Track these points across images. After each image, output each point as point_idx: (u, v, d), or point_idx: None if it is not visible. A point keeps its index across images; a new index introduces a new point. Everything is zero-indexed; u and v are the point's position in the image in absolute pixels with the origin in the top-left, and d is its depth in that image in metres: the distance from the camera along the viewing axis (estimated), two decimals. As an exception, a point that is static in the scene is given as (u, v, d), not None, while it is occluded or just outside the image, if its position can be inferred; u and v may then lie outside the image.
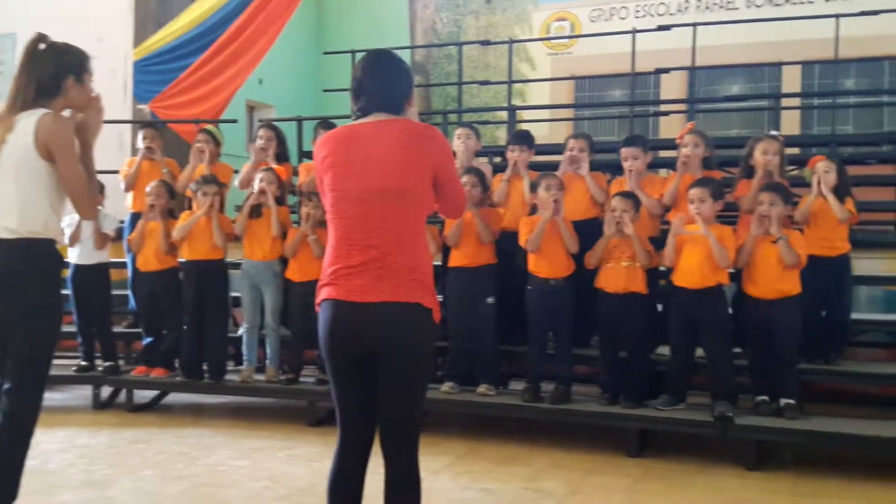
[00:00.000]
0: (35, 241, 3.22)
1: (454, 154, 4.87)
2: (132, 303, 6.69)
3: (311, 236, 5.74)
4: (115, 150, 8.39)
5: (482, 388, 5.46)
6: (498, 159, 7.81)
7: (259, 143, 6.29)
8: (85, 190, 3.27)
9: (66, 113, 3.30)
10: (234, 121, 8.52)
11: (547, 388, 5.37)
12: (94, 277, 6.32)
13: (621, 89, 11.37)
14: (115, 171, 6.70)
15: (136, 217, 6.43)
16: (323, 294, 2.73)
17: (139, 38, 9.20)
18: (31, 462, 4.76)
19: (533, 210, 5.42)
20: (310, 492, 4.29)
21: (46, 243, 3.26)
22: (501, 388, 5.65)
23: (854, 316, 5.42)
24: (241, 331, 6.24)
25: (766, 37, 10.20)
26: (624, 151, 5.50)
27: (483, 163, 6.43)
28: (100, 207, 6.23)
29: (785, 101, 9.53)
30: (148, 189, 6.14)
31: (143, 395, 6.41)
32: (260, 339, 6.12)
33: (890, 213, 7.59)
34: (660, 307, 5.41)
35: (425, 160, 2.68)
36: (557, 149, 6.08)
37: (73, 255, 6.30)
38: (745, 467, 4.75)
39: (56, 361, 7.03)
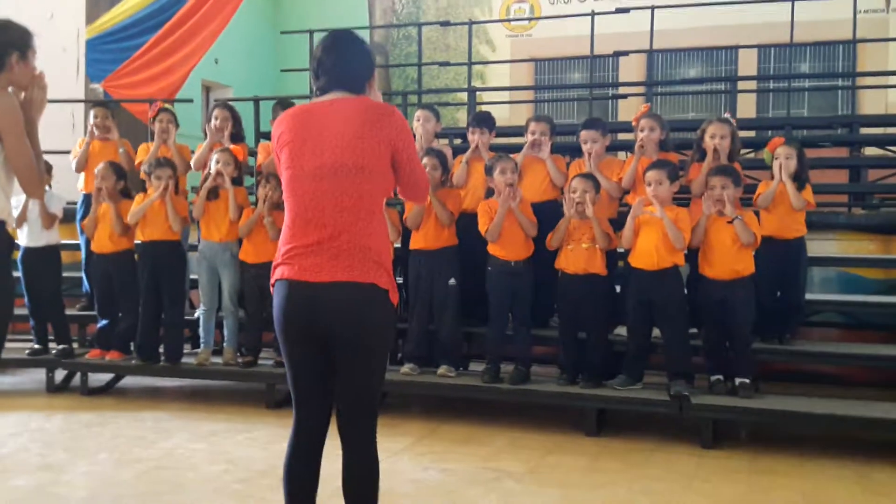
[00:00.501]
0: None
1: (414, 136, 4.88)
2: (86, 285, 6.58)
3: (266, 218, 5.69)
4: (67, 129, 8.24)
5: (442, 370, 5.47)
6: (458, 141, 7.80)
7: (214, 123, 6.21)
8: (33, 168, 3.19)
9: (10, 90, 3.22)
10: (190, 100, 8.39)
11: (507, 368, 5.40)
12: (43, 259, 6.20)
13: (580, 72, 11.43)
14: (68, 152, 6.56)
15: (88, 198, 6.32)
16: (277, 274, 2.70)
17: (91, 16, 9.01)
18: (-17, 447, 4.69)
19: (490, 193, 5.42)
20: (269, 474, 4.26)
21: None
22: (462, 369, 5.67)
23: (808, 297, 5.51)
24: (197, 313, 6.18)
25: (723, 21, 10.31)
26: (583, 134, 5.52)
27: (444, 144, 6.41)
28: (47, 187, 6.12)
29: (741, 85, 9.63)
30: (96, 171, 6.04)
31: (99, 379, 6.31)
32: (217, 322, 6.06)
33: (843, 196, 7.72)
34: (618, 288, 5.45)
35: (383, 137, 2.64)
36: (518, 131, 6.09)
37: (21, 237, 6.18)
38: (701, 446, 4.81)
39: (8, 345, 6.92)
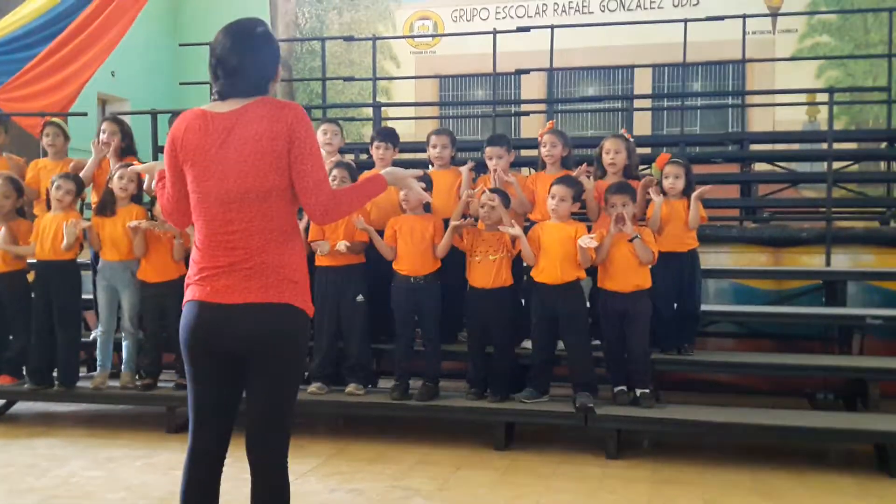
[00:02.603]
0: None
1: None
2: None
3: (176, 240, 5.54)
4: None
5: (350, 388, 5.41)
6: (364, 156, 7.78)
7: (102, 136, 6.02)
8: None
9: None
10: (84, 114, 8.12)
11: (416, 384, 5.39)
12: None
13: (483, 89, 11.58)
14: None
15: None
16: (188, 294, 2.64)
17: (-21, 26, 8.63)
18: None
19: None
20: (168, 501, 4.14)
21: None
22: (371, 386, 5.63)
23: (704, 307, 5.69)
24: (93, 335, 5.95)
25: (620, 41, 10.63)
26: (488, 150, 5.58)
27: (348, 159, 6.38)
28: None
29: (637, 103, 9.93)
30: None
31: (-13, 406, 6.03)
32: (115, 344, 5.85)
33: (735, 210, 8.02)
34: (523, 302, 5.51)
35: (281, 131, 2.53)
36: (422, 146, 6.11)
37: None
38: (606, 456, 4.91)
39: None
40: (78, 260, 5.81)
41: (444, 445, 5.19)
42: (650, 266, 5.11)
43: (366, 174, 5.77)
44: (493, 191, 5.28)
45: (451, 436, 5.36)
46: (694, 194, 5.26)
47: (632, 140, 5.60)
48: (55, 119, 6.43)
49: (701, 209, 5.28)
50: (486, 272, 5.22)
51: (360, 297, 5.44)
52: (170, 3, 12.23)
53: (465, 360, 5.51)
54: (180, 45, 10.50)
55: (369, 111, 9.83)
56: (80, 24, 8.33)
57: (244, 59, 2.60)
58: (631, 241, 5.01)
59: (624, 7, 11.63)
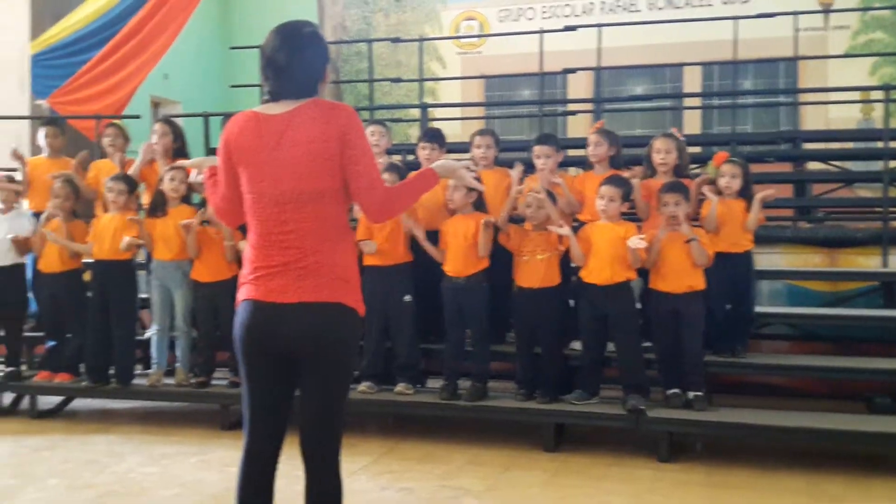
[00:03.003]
0: None
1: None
2: (34, 305, 6.43)
3: (227, 241, 5.61)
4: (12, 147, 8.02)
5: (400, 388, 5.44)
6: (411, 157, 7.80)
7: (153, 138, 6.13)
8: None
9: None
10: (138, 116, 8.26)
11: (465, 385, 5.39)
12: (8, 279, 6.05)
13: (530, 88, 11.53)
14: (13, 170, 6.42)
15: (35, 217, 6.20)
16: (242, 294, 2.67)
17: (36, 31, 8.85)
18: (-72, 474, 4.55)
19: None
20: (222, 498, 4.20)
21: None
22: (419, 386, 5.64)
23: (757, 309, 5.60)
24: (148, 333, 6.06)
25: (668, 38, 10.51)
26: (536, 149, 5.56)
27: (395, 160, 6.41)
28: (14, 206, 6.12)
29: (686, 101, 9.83)
30: (54, 188, 5.93)
31: (48, 401, 6.16)
32: (169, 342, 5.95)
33: (788, 210, 7.89)
34: (571, 303, 5.49)
35: (333, 133, 2.56)
36: (468, 147, 6.10)
37: None
38: (658, 459, 4.86)
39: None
40: (134, 260, 5.92)
41: (493, 446, 5.19)
42: (705, 267, 5.05)
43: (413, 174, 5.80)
44: (538, 190, 5.26)
45: (500, 436, 5.35)
46: (757, 196, 5.18)
47: (682, 139, 5.53)
48: (116, 121, 6.56)
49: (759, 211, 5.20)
50: (534, 272, 5.20)
51: (407, 297, 5.46)
52: (220, 7, 12.40)
53: (513, 360, 5.49)
54: (231, 48, 10.66)
55: (416, 112, 9.86)
56: (133, 28, 8.49)
57: (292, 58, 2.63)
58: (688, 242, 4.95)
59: (672, 4, 11.50)
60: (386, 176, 5.31)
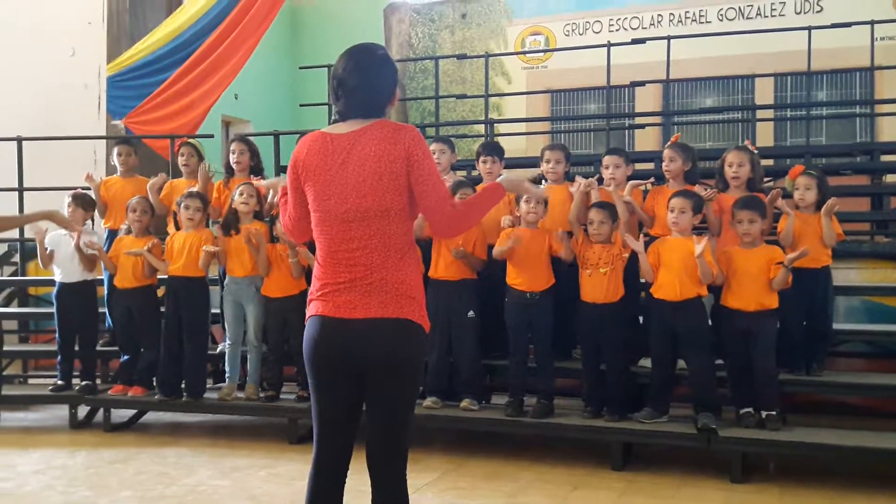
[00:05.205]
0: None
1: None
2: (108, 320, 6.60)
3: (291, 259, 5.69)
4: (89, 166, 8.26)
5: (465, 403, 5.42)
6: (476, 172, 7.80)
7: (232, 157, 6.26)
8: None
9: None
10: (211, 136, 8.43)
11: (531, 401, 5.35)
12: (78, 296, 6.22)
13: (596, 102, 11.44)
14: (87, 189, 6.61)
15: (112, 234, 6.37)
16: (311, 309, 2.71)
17: (112, 52, 9.11)
18: (7, 484, 4.70)
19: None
20: (292, 511, 4.24)
21: None
22: (484, 402, 5.62)
23: (834, 326, 5.44)
24: (220, 347, 6.17)
25: (739, 50, 10.30)
26: (606, 160, 5.51)
27: (460, 176, 6.42)
28: (87, 223, 6.28)
29: (759, 114, 9.62)
30: (132, 206, 6.10)
31: (121, 415, 6.31)
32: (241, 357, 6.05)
33: (865, 224, 7.66)
34: (640, 319, 5.41)
35: (399, 154, 2.60)
36: (535, 161, 6.09)
37: (56, 273, 6.25)
38: (730, 479, 4.75)
39: (32, 381, 6.96)
40: (207, 276, 6.04)
41: (560, 464, 5.13)
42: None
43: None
44: (601, 205, 5.21)
45: (567, 454, 5.29)
46: (823, 208, 5.04)
47: (756, 152, 5.42)
48: (191, 140, 6.71)
49: (836, 225, 5.05)
50: (597, 286, 5.15)
51: (471, 313, 5.45)
52: (289, 28, 12.61)
53: (579, 377, 5.43)
54: (300, 67, 10.82)
55: (482, 128, 9.88)
56: (206, 49, 8.69)
57: (363, 79, 2.68)
58: (783, 266, 4.83)
59: (743, 15, 11.29)
60: (461, 192, 5.30)
